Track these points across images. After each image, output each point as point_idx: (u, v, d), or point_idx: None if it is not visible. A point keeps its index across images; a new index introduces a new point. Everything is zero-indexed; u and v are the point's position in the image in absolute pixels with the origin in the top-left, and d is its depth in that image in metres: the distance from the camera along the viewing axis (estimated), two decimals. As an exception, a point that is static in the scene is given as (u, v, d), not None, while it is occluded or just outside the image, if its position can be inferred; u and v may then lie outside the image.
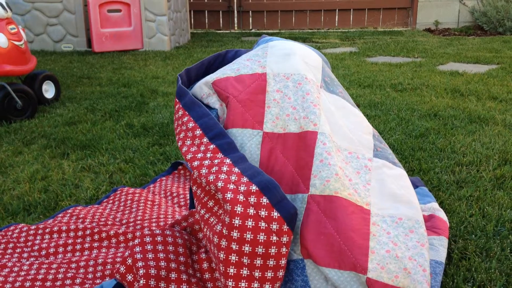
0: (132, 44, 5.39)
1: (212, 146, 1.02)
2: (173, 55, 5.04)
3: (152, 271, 0.99)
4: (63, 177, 1.84)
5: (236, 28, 7.82)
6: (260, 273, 0.93)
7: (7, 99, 2.56)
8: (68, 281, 1.15)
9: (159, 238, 1.08)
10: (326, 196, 0.99)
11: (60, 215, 1.49)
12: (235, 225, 0.91)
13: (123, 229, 1.37)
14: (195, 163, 1.00)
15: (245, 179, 0.95)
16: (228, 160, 0.99)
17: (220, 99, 1.15)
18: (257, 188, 0.93)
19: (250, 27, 7.85)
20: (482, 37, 6.28)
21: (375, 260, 0.94)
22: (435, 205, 1.45)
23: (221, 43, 6.10)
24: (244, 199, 0.92)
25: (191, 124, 1.06)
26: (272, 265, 0.93)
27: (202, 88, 1.17)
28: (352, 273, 0.94)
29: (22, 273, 1.18)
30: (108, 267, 1.20)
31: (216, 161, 1.00)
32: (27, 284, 1.13)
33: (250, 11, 7.73)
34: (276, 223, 0.92)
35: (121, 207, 1.54)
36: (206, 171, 0.98)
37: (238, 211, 0.91)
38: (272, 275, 0.93)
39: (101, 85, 3.55)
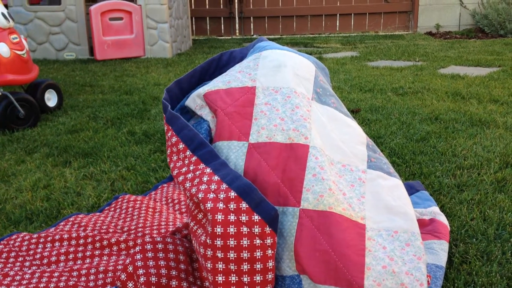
0: (134, 52, 5.41)
1: (194, 158, 1.03)
2: (175, 62, 5.06)
3: (153, 279, 0.99)
4: (65, 185, 1.85)
5: (237, 34, 7.85)
6: (249, 278, 0.93)
7: (9, 108, 2.58)
8: (69, 289, 1.15)
9: (160, 246, 1.08)
10: (319, 211, 0.98)
11: (62, 223, 1.49)
12: (217, 233, 0.91)
13: (125, 236, 1.37)
14: (180, 178, 1.00)
15: (224, 186, 0.96)
16: (208, 170, 0.99)
17: (211, 111, 1.15)
18: (235, 194, 0.94)
19: (252, 33, 7.88)
20: (483, 40, 6.28)
21: (371, 277, 0.94)
22: (436, 209, 1.45)
23: (222, 49, 6.12)
24: (224, 206, 0.93)
25: (174, 139, 1.07)
26: (259, 269, 0.93)
27: (195, 99, 1.17)
28: None
29: (24, 282, 1.18)
30: (110, 275, 1.21)
31: (197, 172, 1.00)
32: (29, 292, 1.14)
33: (251, 17, 7.76)
34: (257, 226, 0.93)
35: (123, 215, 1.55)
36: (190, 185, 0.98)
37: (219, 219, 0.92)
38: (261, 279, 0.93)
39: (103, 93, 3.56)
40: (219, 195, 0.94)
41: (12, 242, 1.38)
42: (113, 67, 4.79)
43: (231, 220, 0.92)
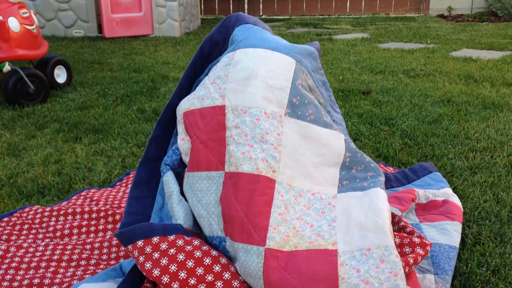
0: (143, 30, 5.37)
1: None
2: (184, 41, 5.03)
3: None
4: (76, 160, 1.85)
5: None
6: (212, 275, 0.97)
7: (19, 83, 2.57)
8: (82, 262, 1.16)
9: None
10: (285, 252, 0.98)
11: (74, 197, 1.50)
12: (164, 280, 0.96)
13: (137, 211, 1.38)
14: None
15: (129, 245, 1.02)
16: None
17: (186, 133, 1.16)
18: (142, 242, 1.00)
19: (261, 13, 7.79)
20: (496, 23, 6.19)
21: None
22: (448, 190, 1.44)
23: (231, 29, 6.06)
24: (144, 259, 0.98)
25: None
26: (209, 263, 0.98)
27: (179, 113, 1.19)
28: None
29: (38, 254, 1.19)
30: (122, 248, 1.21)
31: None
32: (43, 264, 1.15)
33: (261, -3, 7.67)
34: (165, 243, 0.99)
35: (134, 190, 1.55)
36: None
37: (147, 267, 0.97)
38: (220, 268, 0.98)
39: (112, 71, 3.55)
40: (134, 253, 1.00)
41: (25, 214, 1.39)
42: (122, 45, 4.77)
43: (155, 258, 0.98)
